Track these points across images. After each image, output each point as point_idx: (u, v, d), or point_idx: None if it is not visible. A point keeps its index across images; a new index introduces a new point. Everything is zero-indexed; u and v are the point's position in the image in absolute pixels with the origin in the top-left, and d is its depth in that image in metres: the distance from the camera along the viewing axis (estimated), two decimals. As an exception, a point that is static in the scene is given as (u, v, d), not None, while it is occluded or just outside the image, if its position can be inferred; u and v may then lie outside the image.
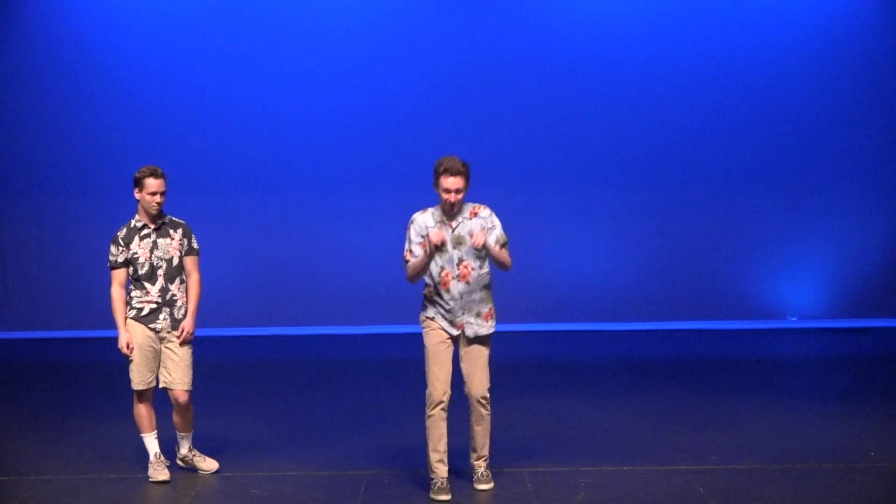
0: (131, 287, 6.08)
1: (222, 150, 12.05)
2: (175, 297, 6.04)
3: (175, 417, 6.16)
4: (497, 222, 5.68)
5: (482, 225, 5.60)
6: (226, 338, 11.69)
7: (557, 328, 11.98)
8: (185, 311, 6.06)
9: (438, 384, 5.61)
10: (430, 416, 5.64)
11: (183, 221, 6.17)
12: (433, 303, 5.69)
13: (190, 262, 6.11)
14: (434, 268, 5.65)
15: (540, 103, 12.00)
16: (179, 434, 6.24)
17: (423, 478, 5.85)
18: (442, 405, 5.62)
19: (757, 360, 10.20)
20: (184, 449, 6.26)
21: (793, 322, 12.12)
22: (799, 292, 12.16)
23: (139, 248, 6.00)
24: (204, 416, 7.35)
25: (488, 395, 5.69)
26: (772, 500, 5.52)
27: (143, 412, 6.10)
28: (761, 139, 12.05)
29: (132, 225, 6.06)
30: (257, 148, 12.07)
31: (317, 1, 12.06)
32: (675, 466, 6.18)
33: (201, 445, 6.54)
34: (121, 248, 6.02)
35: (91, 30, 11.99)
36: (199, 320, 6.23)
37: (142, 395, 6.08)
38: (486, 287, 5.68)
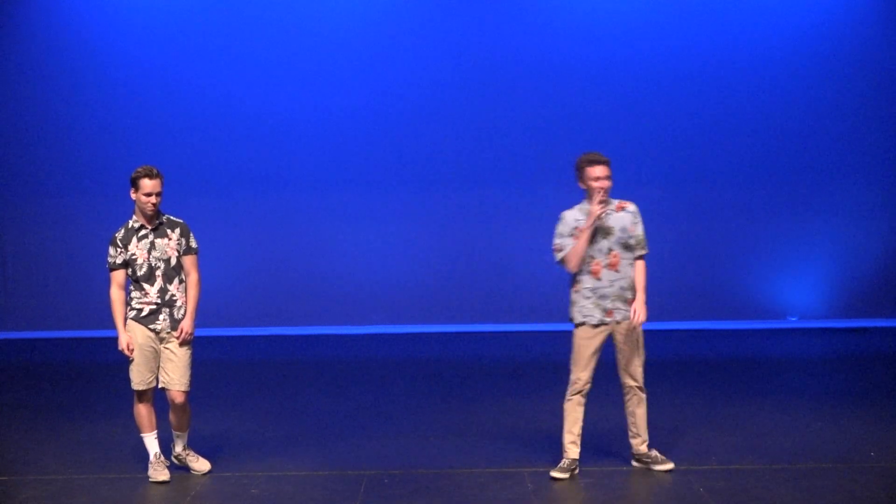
0: (131, 288, 6.07)
1: (222, 149, 12.05)
2: (174, 298, 6.03)
3: (171, 417, 6.15)
4: (640, 219, 6.07)
5: (631, 220, 6.02)
6: (226, 338, 11.68)
7: (558, 328, 11.95)
8: (185, 312, 6.05)
9: (584, 374, 5.99)
10: (569, 401, 6.03)
11: (181, 220, 6.15)
12: (586, 297, 5.99)
13: (189, 262, 6.10)
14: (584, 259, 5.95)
15: (540, 103, 11.99)
16: (175, 433, 6.24)
17: (423, 477, 5.85)
18: (582, 392, 6.00)
19: (757, 360, 10.19)
20: (178, 447, 6.27)
21: (793, 322, 12.11)
22: (799, 292, 12.15)
23: (137, 248, 5.99)
24: (204, 416, 7.35)
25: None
26: (772, 500, 5.52)
27: (143, 412, 6.10)
28: (762, 139, 12.05)
29: (130, 226, 6.04)
30: (257, 148, 12.06)
31: (317, 1, 12.06)
32: (674, 466, 6.18)
33: (201, 445, 6.54)
34: (119, 250, 6.01)
35: (91, 30, 11.99)
36: (200, 320, 6.22)
37: (142, 396, 6.08)
38: (632, 277, 6.08)
